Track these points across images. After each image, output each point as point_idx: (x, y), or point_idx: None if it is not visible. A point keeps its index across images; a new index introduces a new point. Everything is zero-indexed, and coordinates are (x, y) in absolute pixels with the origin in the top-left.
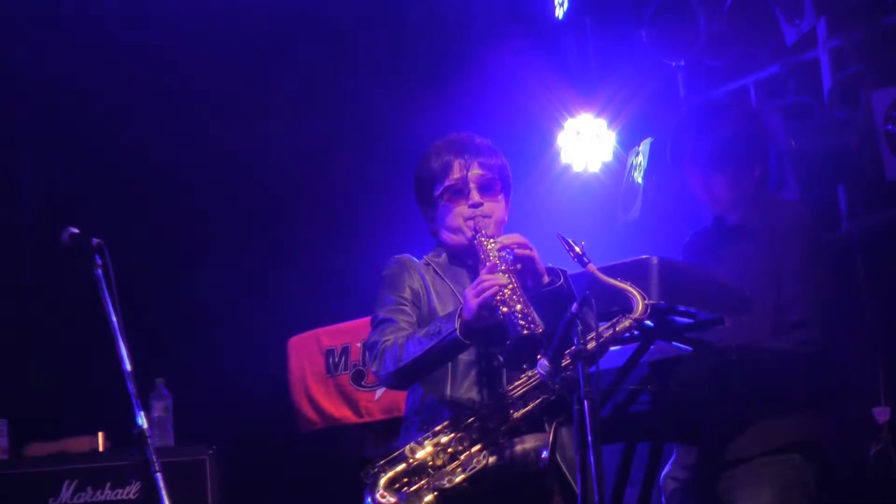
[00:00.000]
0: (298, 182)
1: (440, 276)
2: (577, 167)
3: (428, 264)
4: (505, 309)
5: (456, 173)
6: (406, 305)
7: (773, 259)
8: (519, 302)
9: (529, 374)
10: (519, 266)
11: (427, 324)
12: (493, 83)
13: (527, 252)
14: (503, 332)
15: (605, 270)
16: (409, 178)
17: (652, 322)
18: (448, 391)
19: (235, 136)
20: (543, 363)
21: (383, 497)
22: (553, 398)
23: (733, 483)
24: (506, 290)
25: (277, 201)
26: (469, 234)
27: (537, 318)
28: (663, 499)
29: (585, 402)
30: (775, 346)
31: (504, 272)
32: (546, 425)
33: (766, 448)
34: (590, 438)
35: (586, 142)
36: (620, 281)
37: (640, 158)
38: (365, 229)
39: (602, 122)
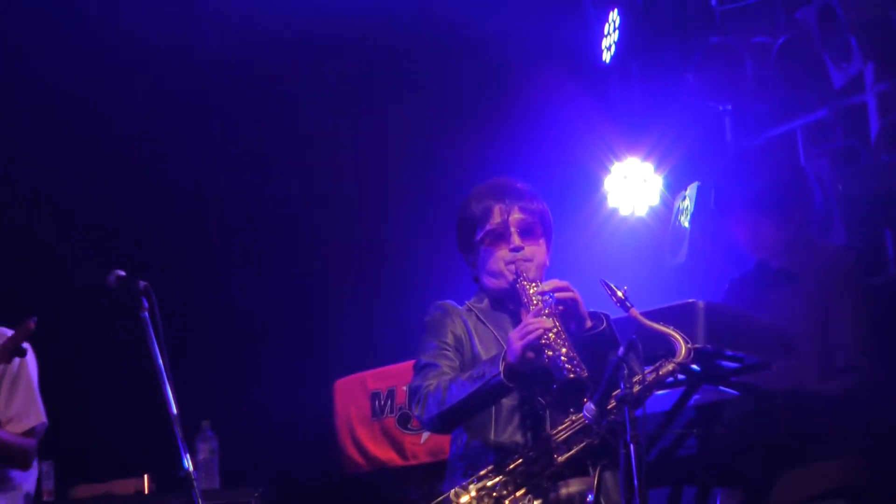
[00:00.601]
0: (347, 224)
1: (482, 321)
2: (624, 211)
3: (470, 310)
4: (550, 353)
5: (496, 218)
6: (449, 350)
7: (817, 303)
8: (564, 345)
9: (574, 417)
10: (561, 309)
11: (470, 368)
12: (540, 126)
13: (569, 295)
14: (547, 376)
15: (651, 314)
16: (455, 226)
17: (698, 366)
18: (492, 435)
19: (283, 173)
20: (590, 407)
21: None
22: (597, 442)
23: None
24: (550, 334)
25: (325, 242)
26: (510, 277)
27: (581, 363)
28: None
29: (632, 446)
30: (822, 390)
31: (548, 315)
32: (590, 469)
33: (810, 493)
34: (636, 482)
35: (633, 186)
36: (663, 325)
37: (687, 202)
38: (413, 273)
39: (649, 166)
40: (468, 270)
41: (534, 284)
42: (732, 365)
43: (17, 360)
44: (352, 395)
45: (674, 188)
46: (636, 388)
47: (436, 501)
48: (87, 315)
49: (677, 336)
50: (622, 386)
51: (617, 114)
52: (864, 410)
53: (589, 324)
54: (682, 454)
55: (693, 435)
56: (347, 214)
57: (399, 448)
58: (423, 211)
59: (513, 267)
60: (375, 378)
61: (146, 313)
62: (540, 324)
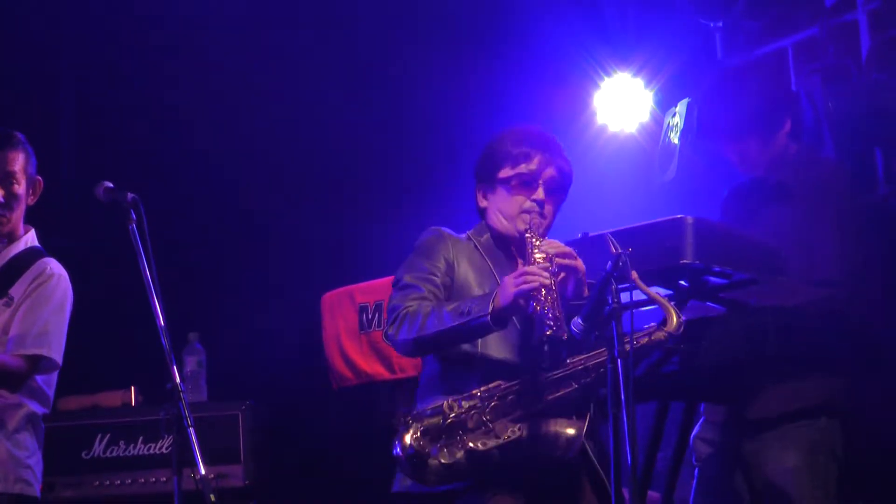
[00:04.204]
0: (335, 142)
1: (481, 253)
2: (614, 127)
3: (470, 239)
4: (538, 307)
5: (533, 165)
6: (437, 277)
7: (804, 218)
8: (554, 305)
9: (569, 361)
10: (562, 275)
11: (456, 298)
12: (531, 42)
13: (573, 263)
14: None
15: (640, 229)
16: (445, 144)
17: (686, 282)
18: (478, 355)
19: (274, 99)
20: (577, 322)
21: (417, 443)
22: (590, 380)
23: (761, 446)
24: (544, 291)
25: (315, 159)
26: (521, 227)
27: (564, 326)
28: (693, 459)
29: (619, 362)
30: (814, 308)
31: (549, 274)
32: (575, 417)
33: (793, 409)
34: (623, 397)
35: (623, 102)
36: (659, 295)
37: (677, 119)
38: (401, 187)
39: (639, 83)
40: (473, 199)
41: (540, 241)
42: (720, 281)
43: (49, 287)
44: (339, 308)
45: (664, 104)
46: (626, 347)
47: (428, 409)
48: (74, 226)
49: (670, 308)
50: (610, 301)
51: (607, 29)
52: (848, 328)
53: (586, 293)
54: (669, 370)
55: (680, 351)
56: (336, 130)
57: (386, 361)
58: (412, 129)
59: (527, 217)
60: (363, 292)
61: (134, 225)
62: (538, 277)
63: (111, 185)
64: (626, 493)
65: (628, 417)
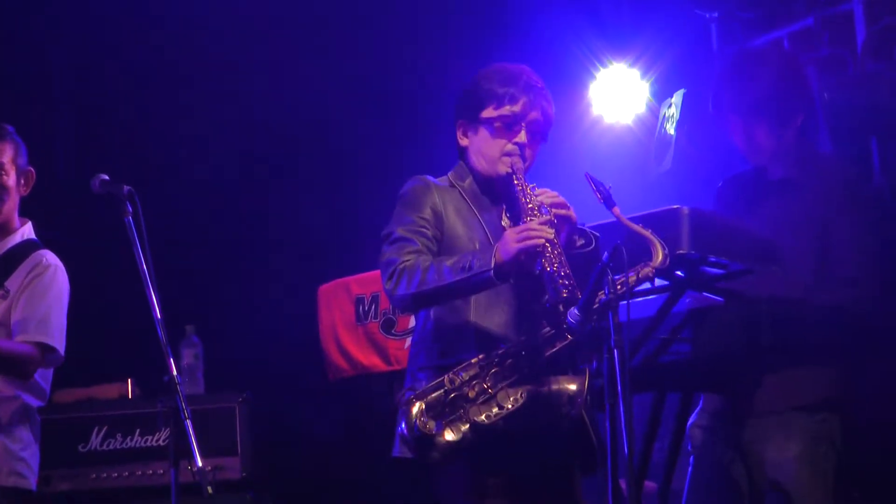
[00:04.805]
0: (331, 129)
1: (467, 201)
2: (609, 119)
3: (453, 186)
4: (547, 267)
5: (517, 107)
6: (427, 228)
7: (818, 213)
8: (560, 262)
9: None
10: (555, 223)
11: (446, 250)
12: (527, 31)
13: (566, 213)
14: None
15: (635, 220)
16: (442, 136)
17: (683, 272)
18: (471, 317)
19: (270, 91)
20: (574, 312)
21: (421, 420)
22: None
23: (760, 434)
24: (548, 246)
25: (310, 148)
26: (502, 169)
27: (575, 285)
28: (689, 447)
29: (616, 352)
30: (814, 300)
31: (551, 228)
32: (576, 369)
33: (795, 402)
34: (619, 387)
35: (619, 92)
36: (643, 228)
37: (673, 110)
38: (397, 180)
39: (635, 73)
40: (454, 139)
41: (530, 188)
42: (716, 271)
43: (45, 278)
44: (336, 300)
45: (660, 95)
46: (619, 289)
47: (433, 383)
48: (71, 218)
49: (655, 241)
50: (606, 291)
51: (603, 20)
52: (854, 323)
53: (580, 242)
54: (666, 360)
55: (676, 341)
56: (332, 122)
57: (383, 353)
58: (406, 118)
59: (508, 160)
60: (359, 283)
61: (130, 218)
62: (542, 232)
63: (107, 177)
64: (623, 483)
65: (625, 408)
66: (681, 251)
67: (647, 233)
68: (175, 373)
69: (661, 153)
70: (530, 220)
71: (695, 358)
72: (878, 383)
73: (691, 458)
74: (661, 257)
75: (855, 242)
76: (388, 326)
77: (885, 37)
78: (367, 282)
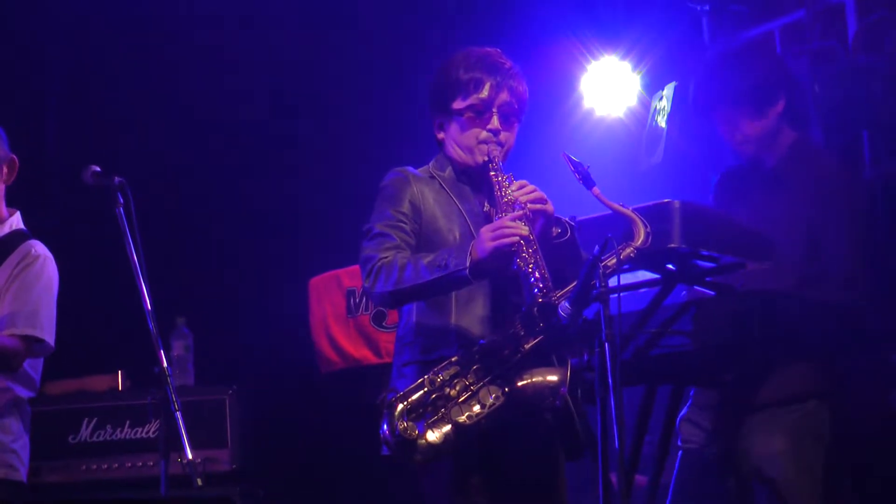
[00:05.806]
0: (323, 127)
1: (446, 191)
2: (601, 111)
3: (433, 177)
4: (521, 264)
5: (483, 93)
6: (405, 223)
7: (808, 207)
8: (537, 260)
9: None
10: (530, 216)
11: (425, 242)
12: (517, 23)
13: (543, 208)
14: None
15: None
16: (432, 127)
17: (674, 266)
18: (452, 316)
19: (260, 83)
20: (565, 306)
21: (403, 424)
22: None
23: (747, 430)
24: (524, 244)
25: (302, 144)
26: (479, 158)
27: (551, 286)
28: (679, 441)
29: (607, 345)
30: (804, 294)
31: (525, 225)
32: (556, 361)
33: (782, 395)
34: (610, 381)
35: (610, 85)
36: (623, 206)
37: (664, 103)
38: (388, 171)
39: (626, 66)
40: (432, 131)
41: (506, 179)
42: (708, 265)
43: (35, 269)
44: (327, 292)
45: (651, 88)
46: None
47: (414, 385)
48: (62, 210)
49: (637, 219)
50: (598, 285)
51: (595, 12)
52: (844, 318)
53: (556, 231)
54: (657, 353)
55: (668, 334)
56: (324, 114)
57: (373, 345)
58: (396, 111)
59: (485, 148)
60: (350, 276)
61: (121, 209)
62: (516, 230)
63: (98, 168)
64: (613, 477)
65: (615, 401)
66: (672, 245)
67: (628, 211)
68: (165, 364)
69: (653, 146)
70: (504, 215)
71: (686, 351)
72: (867, 375)
73: (679, 452)
74: (642, 236)
75: (844, 236)
76: (378, 319)
77: (877, 30)
78: (358, 274)
